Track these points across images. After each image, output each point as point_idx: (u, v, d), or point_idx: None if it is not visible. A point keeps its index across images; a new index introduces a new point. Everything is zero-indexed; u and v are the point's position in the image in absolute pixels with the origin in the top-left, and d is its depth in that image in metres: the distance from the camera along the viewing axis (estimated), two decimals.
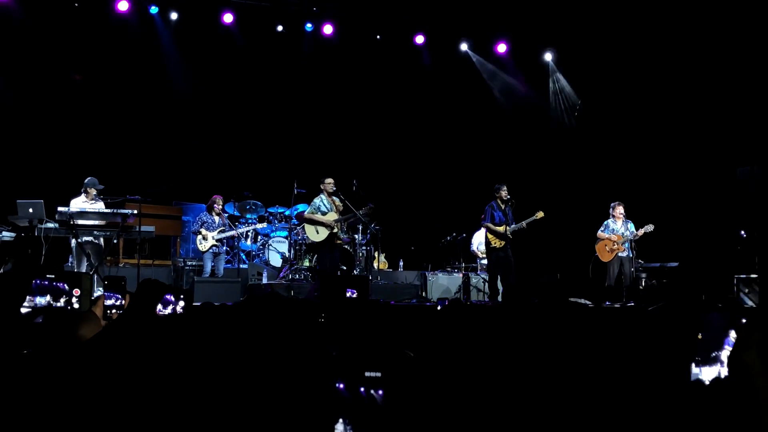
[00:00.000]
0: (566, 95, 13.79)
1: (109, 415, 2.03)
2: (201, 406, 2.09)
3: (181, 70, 12.61)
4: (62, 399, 2.04)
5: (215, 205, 10.61)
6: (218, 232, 10.46)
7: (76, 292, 3.14)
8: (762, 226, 10.20)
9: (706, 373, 2.26)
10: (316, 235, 9.91)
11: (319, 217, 9.88)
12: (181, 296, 2.82)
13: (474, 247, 12.35)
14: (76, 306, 3.13)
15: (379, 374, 1.72)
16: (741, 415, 1.38)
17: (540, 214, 10.13)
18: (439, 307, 5.53)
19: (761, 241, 10.08)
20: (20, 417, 2.02)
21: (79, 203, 9.31)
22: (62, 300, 3.13)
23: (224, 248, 10.74)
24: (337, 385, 1.75)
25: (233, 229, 10.76)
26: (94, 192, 9.40)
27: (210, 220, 10.51)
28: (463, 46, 13.91)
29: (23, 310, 3.07)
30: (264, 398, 2.12)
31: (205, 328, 2.80)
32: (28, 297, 3.08)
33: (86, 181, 9.41)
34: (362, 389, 1.73)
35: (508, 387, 2.21)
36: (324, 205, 9.96)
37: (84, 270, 9.07)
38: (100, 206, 9.41)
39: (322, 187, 10.06)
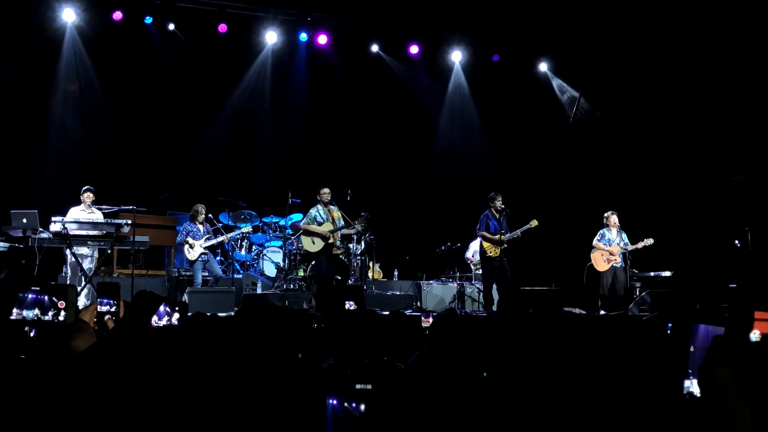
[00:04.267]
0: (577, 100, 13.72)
1: (103, 426, 2.03)
2: (194, 418, 2.09)
3: (176, 79, 12.60)
4: (56, 410, 2.04)
5: (198, 215, 10.61)
6: (205, 240, 10.45)
7: (61, 304, 3.13)
8: (753, 235, 10.24)
9: (697, 386, 2.26)
10: (312, 245, 9.92)
11: (315, 227, 9.90)
12: (177, 308, 2.82)
13: (468, 254, 12.34)
14: (61, 318, 3.13)
15: (369, 386, 1.72)
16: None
17: (534, 223, 10.17)
18: (423, 318, 5.50)
19: (741, 252, 10.14)
20: (15, 428, 2.02)
21: (76, 212, 9.35)
22: (50, 313, 3.12)
23: (212, 255, 10.72)
24: (327, 397, 1.75)
25: (219, 236, 10.73)
26: (89, 201, 9.43)
27: (195, 230, 10.51)
28: (456, 56, 13.93)
29: (12, 317, 3.07)
30: (255, 410, 2.12)
31: (200, 339, 2.79)
32: (15, 310, 3.08)
33: (85, 188, 9.50)
34: (351, 403, 1.73)
35: (503, 397, 2.21)
36: (320, 215, 9.98)
37: (76, 280, 9.05)
38: (97, 216, 9.41)
39: (318, 197, 10.08)
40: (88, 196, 9.48)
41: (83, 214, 9.35)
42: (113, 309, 2.94)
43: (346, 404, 1.70)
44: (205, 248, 10.42)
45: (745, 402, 1.34)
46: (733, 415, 1.34)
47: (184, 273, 10.91)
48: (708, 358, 1.41)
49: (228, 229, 11.42)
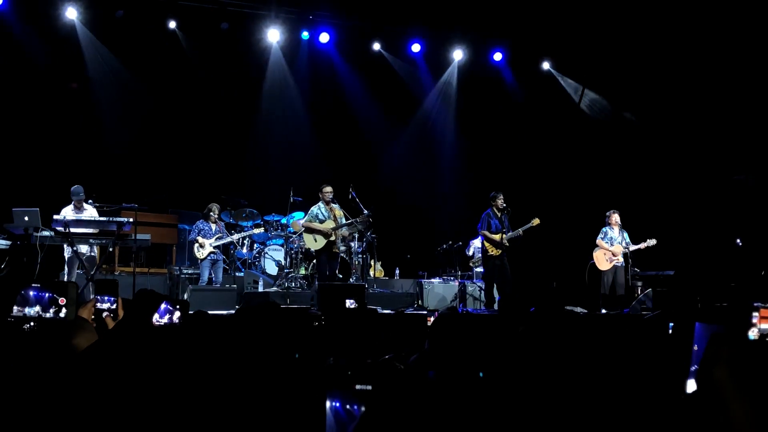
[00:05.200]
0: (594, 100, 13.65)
1: (104, 424, 2.03)
2: (195, 416, 2.09)
3: (178, 77, 12.60)
4: (58, 409, 2.04)
5: (211, 213, 10.57)
6: (215, 239, 10.42)
7: (62, 301, 3.14)
8: (754, 233, 10.24)
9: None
10: (314, 243, 9.93)
11: (316, 225, 9.90)
12: (177, 306, 2.82)
13: (470, 252, 12.32)
14: (62, 315, 3.14)
15: (369, 387, 1.72)
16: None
17: (536, 221, 10.16)
18: (431, 319, 5.50)
19: (743, 251, 10.14)
20: (16, 427, 2.02)
21: (68, 212, 9.31)
22: (51, 310, 3.13)
23: (222, 256, 10.71)
24: (328, 398, 1.74)
25: (230, 236, 10.71)
26: (82, 201, 9.39)
27: (207, 228, 10.47)
28: (457, 54, 13.89)
29: (14, 314, 3.07)
30: (257, 409, 2.12)
31: (201, 337, 2.79)
32: (17, 307, 3.09)
33: (71, 189, 9.43)
34: (351, 404, 1.73)
35: (504, 396, 2.21)
36: (322, 213, 9.98)
37: (76, 278, 9.05)
38: (92, 213, 9.40)
39: (320, 195, 10.08)
40: (78, 199, 9.42)
41: (75, 213, 9.31)
42: (113, 306, 2.95)
43: (346, 405, 1.70)
44: (214, 247, 10.39)
45: (743, 400, 1.33)
46: (731, 413, 1.33)
47: (185, 271, 10.91)
48: (706, 357, 1.41)
49: (229, 227, 11.40)
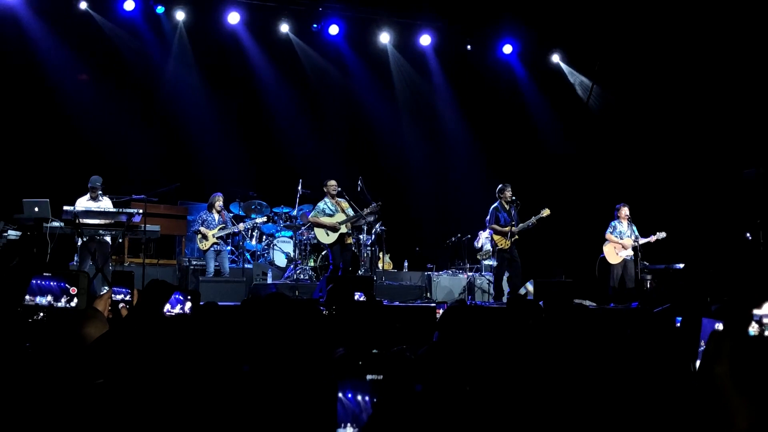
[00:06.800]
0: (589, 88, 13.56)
1: (113, 414, 2.04)
2: (205, 407, 2.10)
3: (188, 69, 12.62)
4: (67, 398, 2.05)
5: (216, 203, 10.58)
6: (218, 230, 10.42)
7: (73, 290, 3.16)
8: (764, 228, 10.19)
9: None
10: (326, 237, 9.95)
11: (323, 219, 9.92)
12: (188, 297, 2.84)
13: (478, 244, 12.30)
14: (74, 305, 3.16)
15: (381, 377, 1.72)
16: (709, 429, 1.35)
17: (546, 212, 10.17)
18: (439, 311, 5.48)
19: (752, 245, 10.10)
20: (24, 416, 2.04)
21: (83, 202, 9.36)
22: (63, 299, 3.15)
23: (227, 247, 10.70)
24: (340, 388, 1.75)
25: (234, 227, 10.69)
26: (98, 191, 9.43)
27: (210, 219, 10.46)
28: (468, 47, 13.85)
29: (25, 303, 3.10)
30: (268, 399, 2.13)
31: (211, 328, 2.81)
32: (28, 297, 3.11)
33: (90, 179, 9.48)
34: (362, 395, 1.73)
35: (512, 389, 2.21)
36: (329, 207, 9.99)
37: (87, 269, 9.09)
38: (106, 204, 9.44)
39: (325, 189, 10.10)
40: (94, 189, 9.47)
41: (91, 203, 9.36)
42: (128, 297, 2.97)
43: (358, 395, 1.71)
44: (218, 238, 10.39)
45: (744, 396, 1.33)
46: (731, 409, 1.33)
47: (195, 262, 10.93)
48: (707, 353, 1.41)
49: (238, 219, 11.42)
